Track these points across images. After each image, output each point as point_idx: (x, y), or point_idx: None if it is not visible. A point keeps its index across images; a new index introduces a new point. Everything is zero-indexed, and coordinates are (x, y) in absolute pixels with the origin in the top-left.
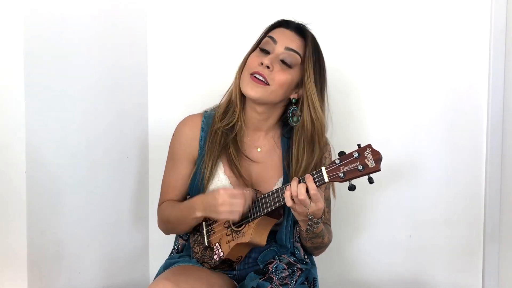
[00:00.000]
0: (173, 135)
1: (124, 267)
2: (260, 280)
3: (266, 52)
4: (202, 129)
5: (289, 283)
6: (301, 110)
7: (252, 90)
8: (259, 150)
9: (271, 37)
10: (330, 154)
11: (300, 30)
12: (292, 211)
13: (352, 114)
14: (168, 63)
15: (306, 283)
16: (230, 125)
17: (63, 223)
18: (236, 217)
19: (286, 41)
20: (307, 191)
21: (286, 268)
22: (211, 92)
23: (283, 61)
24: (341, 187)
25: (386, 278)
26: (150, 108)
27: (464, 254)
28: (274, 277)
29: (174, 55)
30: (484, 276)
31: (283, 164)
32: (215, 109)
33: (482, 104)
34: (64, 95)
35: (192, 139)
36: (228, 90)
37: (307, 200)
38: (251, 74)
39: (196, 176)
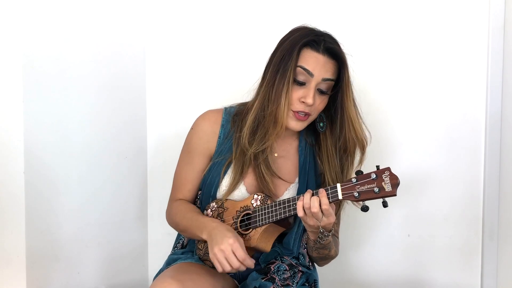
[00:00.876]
0: (192, 128)
1: (123, 267)
2: (263, 280)
3: (302, 84)
4: (222, 126)
5: (290, 284)
6: (341, 128)
7: (297, 125)
8: (276, 155)
9: (306, 70)
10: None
11: (332, 52)
12: (303, 222)
13: None
14: (166, 64)
15: (307, 284)
16: (261, 149)
17: (62, 223)
18: (219, 268)
19: (322, 72)
20: (320, 205)
21: (287, 269)
22: (210, 93)
23: (319, 90)
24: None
25: (385, 277)
26: (149, 108)
27: (463, 253)
28: (277, 278)
29: (172, 56)
30: (482, 275)
31: (300, 173)
32: (238, 107)
33: (480, 103)
34: (62, 96)
35: (212, 135)
36: (254, 107)
37: (320, 214)
38: (294, 111)
39: (211, 171)
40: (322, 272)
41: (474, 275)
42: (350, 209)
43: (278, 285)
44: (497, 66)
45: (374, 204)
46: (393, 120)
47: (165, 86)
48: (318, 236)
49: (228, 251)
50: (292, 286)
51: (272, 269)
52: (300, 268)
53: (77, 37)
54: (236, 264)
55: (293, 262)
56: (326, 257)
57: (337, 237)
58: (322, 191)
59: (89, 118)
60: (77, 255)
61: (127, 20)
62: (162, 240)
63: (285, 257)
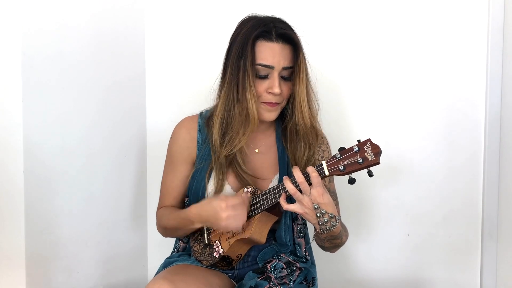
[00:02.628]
0: (171, 138)
1: (123, 267)
2: (259, 279)
3: (265, 77)
4: (199, 130)
5: (287, 282)
6: (292, 112)
7: (270, 115)
8: (257, 150)
9: (265, 66)
10: (328, 147)
11: (285, 37)
12: (300, 204)
13: (350, 114)
14: (166, 63)
15: (305, 282)
16: (235, 151)
17: (61, 222)
18: (240, 227)
19: (281, 61)
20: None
21: (285, 267)
22: (209, 93)
23: (283, 77)
24: (342, 186)
25: (384, 276)
26: (148, 107)
27: (462, 252)
28: (273, 276)
29: (172, 56)
30: (482, 274)
31: (279, 162)
32: (211, 110)
33: (480, 103)
34: (62, 95)
35: (190, 141)
36: (219, 109)
37: (305, 183)
38: (265, 102)
39: (194, 178)
40: (321, 271)
41: (473, 274)
42: (349, 208)
43: (274, 284)
44: (496, 65)
45: (373, 203)
46: (392, 120)
47: (165, 86)
48: (317, 216)
49: (231, 214)
50: (289, 285)
51: (269, 268)
52: (298, 265)
53: (76, 37)
54: (243, 212)
55: (291, 259)
56: (339, 245)
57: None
58: (310, 167)
59: (88, 118)
60: (76, 255)
61: (128, 19)
62: (161, 240)
63: (282, 255)
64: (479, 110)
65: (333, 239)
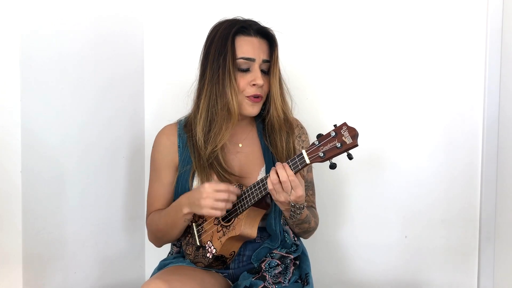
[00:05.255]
0: (153, 146)
1: (120, 267)
2: (253, 279)
3: (246, 70)
4: (179, 135)
5: (282, 281)
6: (268, 105)
7: (253, 109)
8: (240, 145)
9: (247, 59)
10: (307, 137)
11: (263, 33)
12: (275, 201)
13: (349, 115)
14: (164, 64)
15: (300, 281)
16: (219, 146)
17: (59, 222)
18: (218, 213)
19: (260, 53)
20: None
21: (279, 263)
22: None
23: (262, 71)
24: (342, 187)
25: (382, 278)
26: (146, 108)
27: (460, 254)
28: (267, 275)
29: (170, 56)
30: (479, 276)
31: (264, 154)
32: (186, 117)
33: (478, 104)
34: (60, 95)
35: (171, 146)
36: (201, 106)
37: (288, 184)
38: (248, 96)
39: (179, 182)
40: (318, 273)
41: (471, 276)
42: (347, 210)
43: (269, 283)
44: (495, 67)
45: (370, 205)
46: (390, 121)
47: (163, 86)
48: (291, 210)
49: (210, 194)
50: (284, 283)
51: (263, 267)
52: (292, 257)
53: (75, 37)
54: (224, 196)
55: (283, 252)
56: (308, 230)
57: (315, 208)
58: (285, 164)
59: (87, 118)
60: (74, 255)
61: (126, 19)
62: None
63: (274, 251)
64: (477, 112)
65: (300, 224)
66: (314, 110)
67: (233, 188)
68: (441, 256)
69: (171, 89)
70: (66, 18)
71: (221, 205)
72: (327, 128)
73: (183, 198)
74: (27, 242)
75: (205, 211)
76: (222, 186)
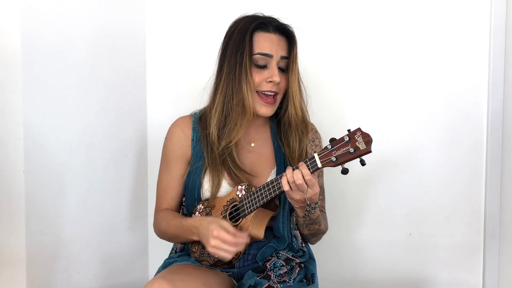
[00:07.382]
0: (166, 137)
1: (123, 267)
2: (258, 278)
3: (264, 66)
4: (193, 129)
5: (287, 280)
6: (286, 103)
7: (267, 111)
8: (253, 145)
9: (264, 54)
10: (320, 142)
11: (282, 30)
12: (289, 200)
13: (352, 112)
14: (166, 62)
15: (305, 280)
16: (233, 142)
17: (62, 222)
18: (226, 260)
19: (278, 50)
20: (303, 177)
21: (284, 264)
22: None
23: (280, 68)
24: (343, 185)
25: (387, 276)
26: (149, 107)
27: (465, 252)
28: (272, 275)
29: (172, 55)
30: (484, 274)
31: (276, 156)
32: (202, 110)
33: (482, 101)
34: (62, 95)
35: (185, 139)
36: (217, 102)
37: (304, 185)
38: (261, 92)
39: (190, 176)
40: (323, 271)
41: (475, 273)
42: (351, 208)
43: (274, 282)
44: (499, 64)
45: (375, 203)
46: (394, 118)
47: (166, 86)
48: (306, 210)
49: (218, 244)
50: (289, 283)
51: (268, 266)
52: (298, 261)
53: (76, 35)
54: (231, 248)
55: (289, 255)
56: (317, 233)
57: (324, 212)
58: (302, 164)
59: (89, 117)
60: (77, 255)
61: (128, 17)
62: (162, 240)
63: (280, 252)
64: (481, 109)
65: (311, 224)
66: (329, 110)
67: (240, 240)
68: (446, 254)
69: (173, 87)
70: (67, 17)
71: (226, 255)
72: (332, 129)
73: (195, 225)
74: (30, 242)
75: (211, 250)
76: (231, 237)
